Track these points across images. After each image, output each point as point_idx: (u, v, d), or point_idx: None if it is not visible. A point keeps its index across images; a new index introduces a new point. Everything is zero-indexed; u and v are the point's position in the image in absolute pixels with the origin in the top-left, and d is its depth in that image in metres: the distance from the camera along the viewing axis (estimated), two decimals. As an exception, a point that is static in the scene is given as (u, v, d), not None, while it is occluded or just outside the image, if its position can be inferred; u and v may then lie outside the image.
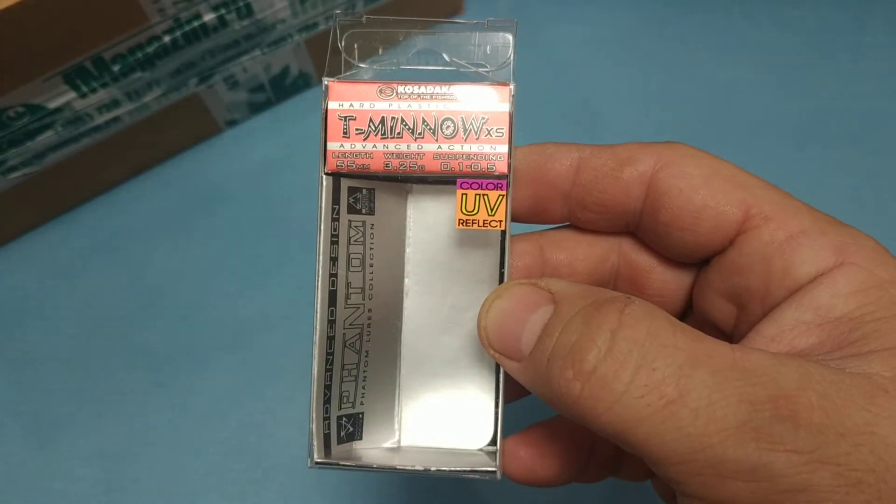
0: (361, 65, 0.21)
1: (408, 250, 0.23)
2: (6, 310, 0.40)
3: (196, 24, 0.35)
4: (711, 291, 0.21)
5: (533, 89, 0.44)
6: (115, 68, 0.34)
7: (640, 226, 0.22)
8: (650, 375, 0.16)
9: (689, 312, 0.23)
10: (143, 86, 0.36)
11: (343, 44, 0.21)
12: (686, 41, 0.45)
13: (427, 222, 0.23)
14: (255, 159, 0.43)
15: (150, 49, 0.34)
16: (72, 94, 0.34)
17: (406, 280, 0.23)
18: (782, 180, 0.20)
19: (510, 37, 0.21)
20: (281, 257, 0.41)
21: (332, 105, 0.21)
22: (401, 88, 0.21)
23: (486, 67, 0.21)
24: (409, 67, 0.21)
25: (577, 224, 0.23)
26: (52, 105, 0.34)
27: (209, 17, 0.35)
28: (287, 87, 0.43)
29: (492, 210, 0.21)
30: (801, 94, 0.44)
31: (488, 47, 0.21)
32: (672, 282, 0.23)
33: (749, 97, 0.44)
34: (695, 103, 0.44)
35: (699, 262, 0.22)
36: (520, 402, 0.24)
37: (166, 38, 0.34)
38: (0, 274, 0.41)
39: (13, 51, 0.30)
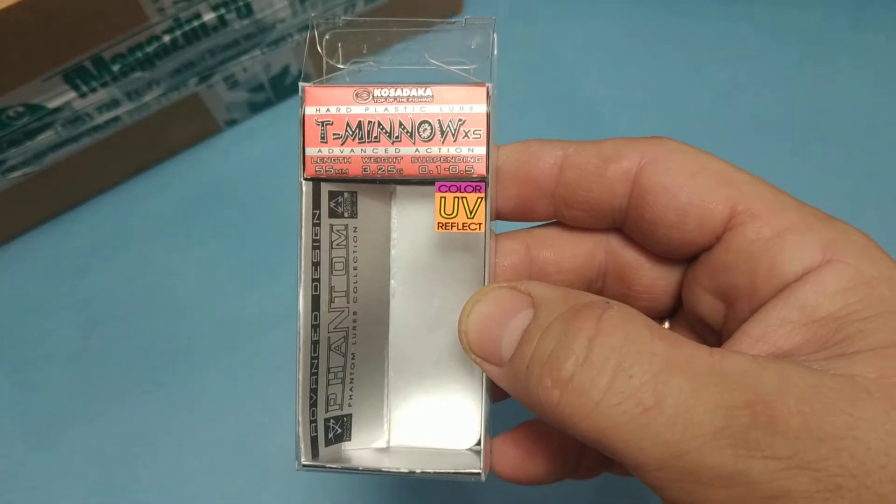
0: (340, 66, 0.21)
1: (393, 252, 0.23)
2: (6, 310, 0.40)
3: (196, 23, 0.35)
4: (699, 288, 0.21)
5: (533, 90, 0.44)
6: (115, 68, 0.34)
7: (626, 223, 0.22)
8: (627, 382, 0.16)
9: (678, 309, 0.23)
10: (143, 85, 0.36)
11: (324, 47, 0.21)
12: (686, 41, 0.45)
13: (412, 223, 0.23)
14: (255, 159, 0.43)
15: (150, 49, 0.34)
16: (72, 94, 0.34)
17: (392, 282, 0.23)
18: (782, 180, 0.20)
19: (490, 34, 0.21)
20: (281, 257, 0.41)
21: (309, 110, 0.21)
22: (377, 92, 0.20)
23: (467, 66, 0.21)
24: (389, 68, 0.21)
25: (563, 221, 0.23)
26: (52, 105, 0.34)
27: (209, 16, 0.35)
28: (287, 86, 0.43)
29: (471, 213, 0.20)
30: (801, 94, 0.44)
31: (473, 44, 0.21)
32: (660, 278, 0.23)
33: (749, 97, 0.44)
34: (695, 103, 0.44)
35: (687, 258, 0.22)
36: (510, 399, 0.24)
37: (166, 38, 0.34)
38: (0, 274, 0.41)
39: (13, 51, 0.30)
